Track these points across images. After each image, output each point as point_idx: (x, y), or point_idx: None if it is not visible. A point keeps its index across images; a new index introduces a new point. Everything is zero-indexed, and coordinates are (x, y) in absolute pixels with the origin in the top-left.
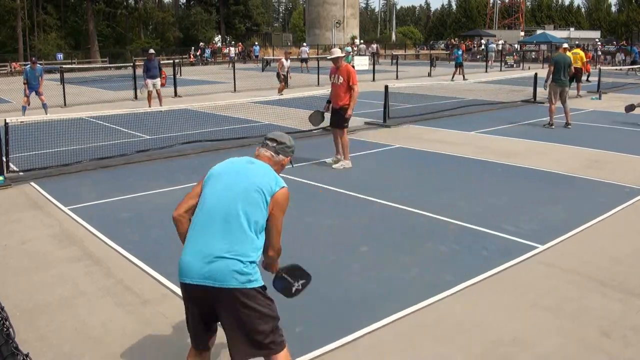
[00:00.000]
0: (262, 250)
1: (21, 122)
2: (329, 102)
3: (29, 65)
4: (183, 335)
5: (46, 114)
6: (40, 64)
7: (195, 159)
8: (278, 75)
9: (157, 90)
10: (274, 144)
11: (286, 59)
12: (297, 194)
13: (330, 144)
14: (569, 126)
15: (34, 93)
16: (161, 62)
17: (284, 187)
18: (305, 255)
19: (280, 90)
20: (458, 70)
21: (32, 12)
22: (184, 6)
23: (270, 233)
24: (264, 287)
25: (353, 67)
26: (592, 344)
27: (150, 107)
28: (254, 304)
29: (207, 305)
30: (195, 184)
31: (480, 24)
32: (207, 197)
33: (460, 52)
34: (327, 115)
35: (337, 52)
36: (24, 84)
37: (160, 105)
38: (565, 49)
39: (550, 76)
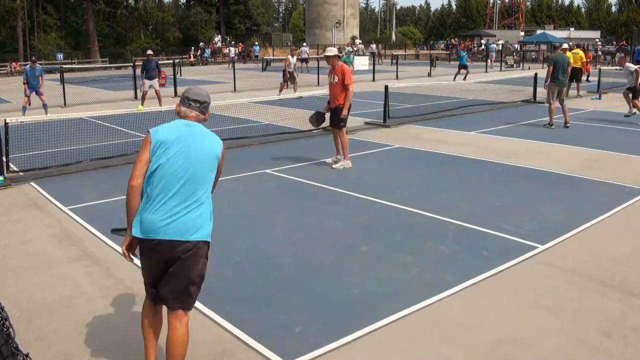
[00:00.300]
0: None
1: (21, 122)
2: (329, 102)
3: (28, 65)
4: None
5: (46, 114)
6: (41, 64)
7: None
8: (284, 73)
9: (156, 91)
10: (198, 105)
11: (292, 56)
12: (297, 194)
13: (330, 144)
14: (568, 125)
15: (34, 93)
16: (160, 62)
17: (222, 143)
18: (305, 255)
19: (280, 90)
20: (460, 71)
21: (32, 12)
22: (184, 6)
23: (216, 179)
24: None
25: (353, 67)
26: (592, 344)
27: (142, 106)
28: (203, 256)
29: (164, 260)
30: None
31: (480, 24)
32: (165, 164)
33: (464, 54)
34: (328, 116)
35: (330, 51)
36: (24, 83)
37: (160, 105)
38: (565, 49)
39: (550, 76)
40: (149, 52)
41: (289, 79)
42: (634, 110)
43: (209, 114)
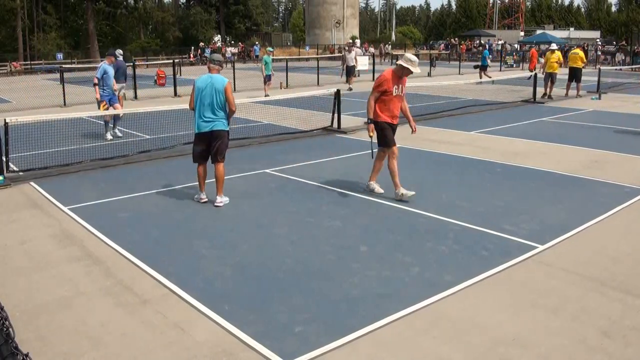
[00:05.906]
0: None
1: (22, 121)
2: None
3: (104, 61)
4: (183, 335)
5: (113, 129)
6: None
7: None
8: (352, 69)
9: (119, 97)
10: (217, 64)
11: (349, 52)
12: (297, 194)
13: (329, 143)
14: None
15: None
16: (160, 62)
17: (227, 81)
18: (305, 255)
19: (350, 83)
20: (482, 72)
21: (32, 12)
22: (183, 6)
23: (228, 102)
24: (228, 132)
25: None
26: (592, 344)
27: (121, 108)
28: (223, 138)
29: (207, 142)
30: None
31: (480, 24)
32: (199, 95)
33: (487, 54)
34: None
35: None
36: (95, 84)
37: (121, 107)
38: (553, 50)
39: None
40: (119, 51)
41: (345, 73)
42: None
43: (222, 67)
